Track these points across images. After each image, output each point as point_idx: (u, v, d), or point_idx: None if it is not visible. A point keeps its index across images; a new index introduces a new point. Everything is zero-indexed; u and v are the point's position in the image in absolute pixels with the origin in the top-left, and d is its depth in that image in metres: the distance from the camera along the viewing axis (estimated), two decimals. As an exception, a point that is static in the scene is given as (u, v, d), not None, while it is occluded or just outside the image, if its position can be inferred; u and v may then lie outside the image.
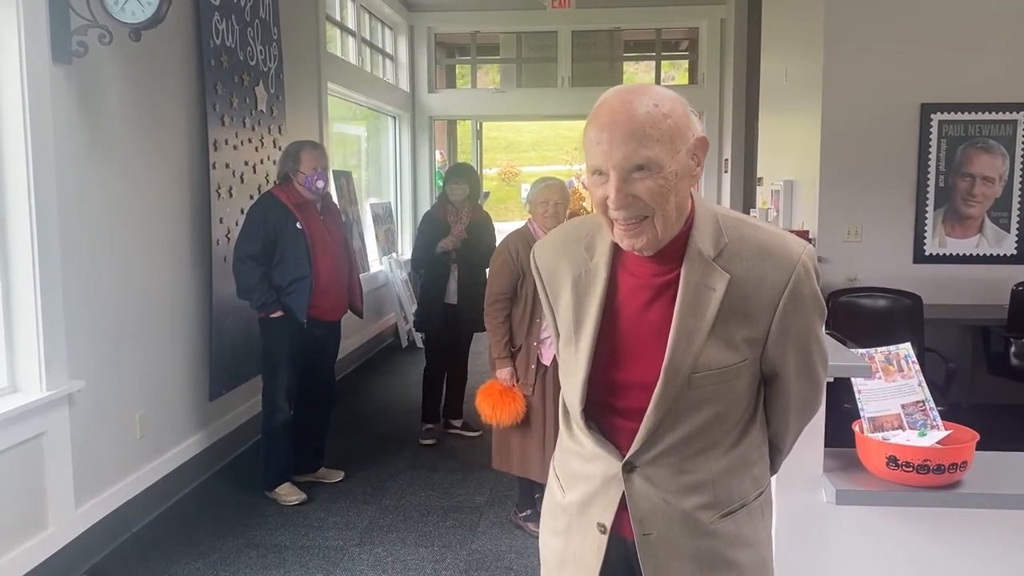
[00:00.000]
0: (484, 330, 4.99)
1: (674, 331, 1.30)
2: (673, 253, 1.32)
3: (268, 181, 4.85)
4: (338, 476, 4.23)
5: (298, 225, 3.81)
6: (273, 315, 3.80)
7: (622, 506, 1.37)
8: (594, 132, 1.26)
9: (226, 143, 4.40)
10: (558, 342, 1.47)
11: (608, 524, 1.38)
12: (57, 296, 3.09)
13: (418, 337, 7.15)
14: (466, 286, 4.84)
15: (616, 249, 1.37)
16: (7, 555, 2.86)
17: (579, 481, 1.43)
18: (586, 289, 1.38)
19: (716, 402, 1.33)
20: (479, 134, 9.45)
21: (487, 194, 5.42)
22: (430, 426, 4.94)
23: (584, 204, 14.37)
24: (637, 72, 17.31)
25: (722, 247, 1.31)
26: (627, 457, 1.35)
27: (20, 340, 3.01)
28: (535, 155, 30.00)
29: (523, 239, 3.52)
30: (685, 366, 1.29)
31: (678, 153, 1.25)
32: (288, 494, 3.93)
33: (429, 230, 4.88)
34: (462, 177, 4.94)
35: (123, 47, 3.37)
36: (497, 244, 3.73)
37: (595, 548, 1.39)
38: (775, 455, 1.49)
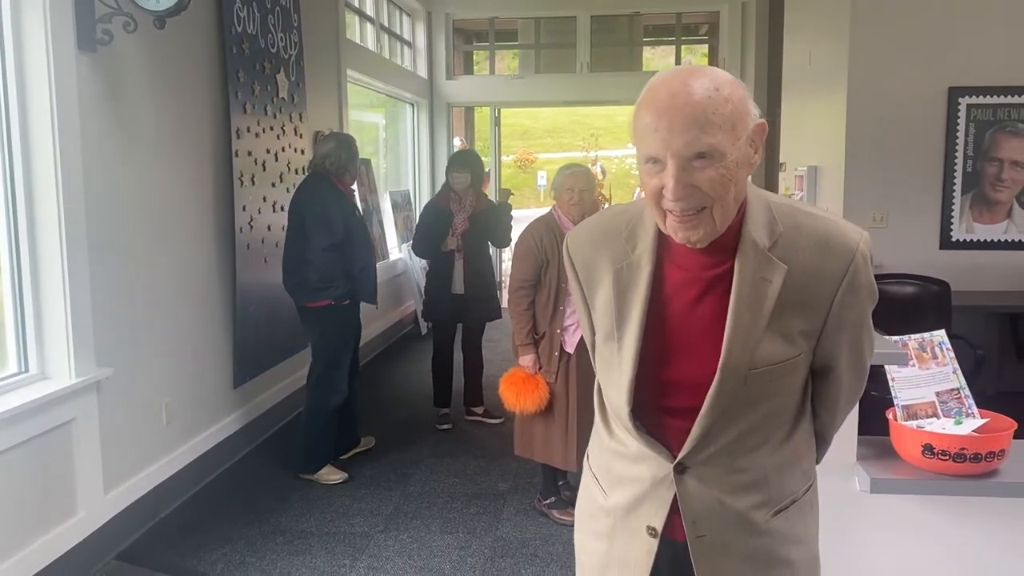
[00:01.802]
0: (493, 319, 5.03)
1: (730, 326, 1.24)
2: (725, 244, 1.26)
3: (289, 169, 4.86)
4: (371, 443, 4.45)
5: (356, 214, 3.99)
6: (344, 303, 3.93)
7: (672, 508, 1.32)
8: (650, 117, 1.17)
9: (248, 131, 4.40)
10: (593, 338, 1.41)
11: (659, 527, 1.33)
12: (84, 284, 3.10)
13: (424, 325, 7.16)
14: (472, 275, 4.84)
15: (660, 240, 1.30)
16: (39, 539, 2.90)
17: (624, 483, 1.38)
18: (629, 283, 1.31)
19: (771, 398, 1.29)
20: (497, 121, 9.39)
21: (509, 192, 5.37)
22: (444, 411, 4.96)
23: (602, 191, 14.29)
24: (654, 57, 17.16)
25: (777, 236, 1.25)
26: (679, 458, 1.31)
27: (49, 328, 3.03)
28: (551, 142, 29.88)
29: (547, 226, 3.50)
30: (743, 363, 1.24)
31: (739, 140, 1.19)
32: (330, 474, 4.04)
33: (429, 220, 4.87)
34: (464, 165, 4.90)
35: (147, 35, 3.37)
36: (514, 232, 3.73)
37: (644, 552, 1.35)
38: (820, 446, 1.46)
